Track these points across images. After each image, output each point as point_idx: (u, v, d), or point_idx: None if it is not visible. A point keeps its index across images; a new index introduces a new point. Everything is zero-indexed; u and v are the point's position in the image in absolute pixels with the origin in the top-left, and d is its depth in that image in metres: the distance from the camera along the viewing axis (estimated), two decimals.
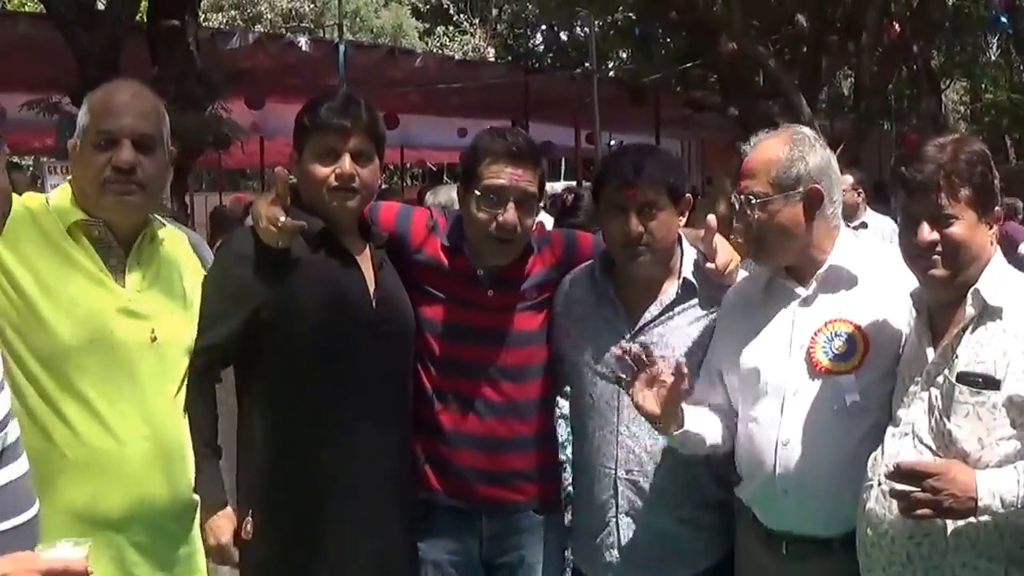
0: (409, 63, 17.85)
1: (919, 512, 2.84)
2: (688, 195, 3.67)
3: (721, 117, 19.67)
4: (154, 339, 3.20)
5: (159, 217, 3.41)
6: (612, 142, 24.16)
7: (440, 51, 33.44)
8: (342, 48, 15.32)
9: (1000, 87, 27.46)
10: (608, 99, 18.21)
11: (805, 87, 18.03)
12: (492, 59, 32.48)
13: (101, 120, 3.17)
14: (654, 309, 3.64)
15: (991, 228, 3.03)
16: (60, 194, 3.25)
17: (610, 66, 28.22)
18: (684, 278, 3.65)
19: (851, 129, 18.16)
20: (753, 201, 3.31)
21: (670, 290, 3.65)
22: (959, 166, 2.95)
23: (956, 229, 2.95)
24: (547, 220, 6.99)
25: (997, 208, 3.07)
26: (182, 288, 3.37)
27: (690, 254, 3.72)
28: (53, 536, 2.86)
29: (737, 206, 3.38)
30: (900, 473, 2.86)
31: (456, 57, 25.03)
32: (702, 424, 3.45)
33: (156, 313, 3.24)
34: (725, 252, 3.69)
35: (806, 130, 3.51)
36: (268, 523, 3.47)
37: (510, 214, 3.59)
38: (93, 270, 3.17)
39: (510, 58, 31.67)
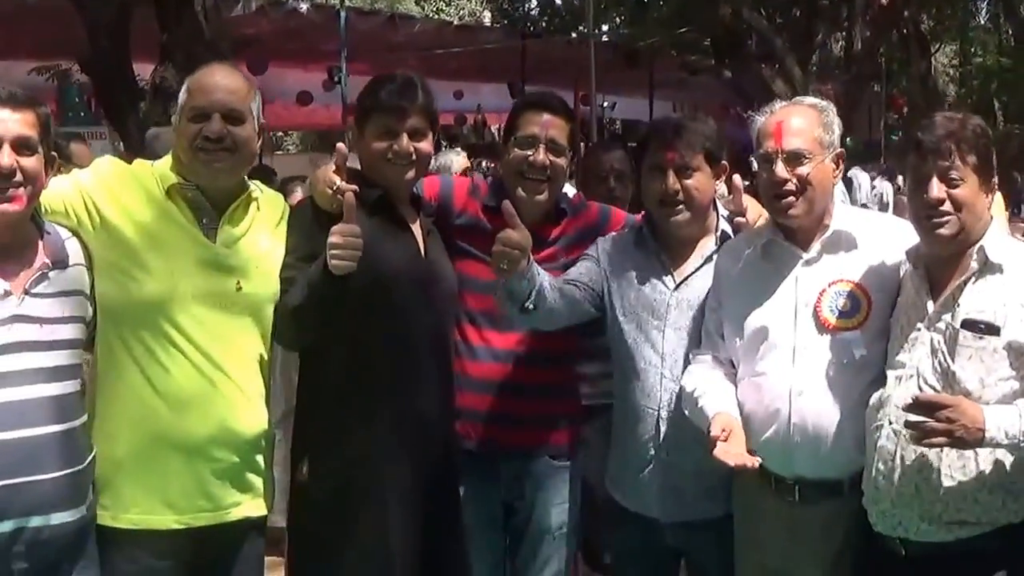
0: (408, 28, 17.88)
1: (933, 441, 3.13)
2: (725, 162, 3.91)
3: (715, 80, 19.90)
4: (239, 289, 3.52)
5: (259, 184, 3.76)
6: (605, 103, 24.34)
7: (436, 15, 33.41)
8: (343, 14, 15.41)
9: (989, 51, 27.51)
10: (604, 62, 18.35)
11: (797, 51, 18.27)
12: (488, 23, 32.47)
13: (195, 97, 3.52)
14: (696, 260, 3.90)
15: (988, 197, 3.34)
16: (163, 162, 3.60)
17: (604, 29, 28.30)
18: (722, 231, 3.94)
19: (843, 92, 18.36)
20: (804, 155, 3.56)
21: (709, 244, 3.93)
22: (967, 135, 3.28)
23: (962, 191, 3.27)
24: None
25: (994, 180, 3.39)
26: (270, 246, 3.66)
27: (724, 213, 4.00)
28: (147, 455, 3.43)
29: (772, 162, 3.59)
30: (918, 405, 3.16)
31: (454, 23, 25.09)
32: (732, 403, 3.65)
33: (242, 266, 3.55)
34: (755, 208, 3.96)
35: (824, 102, 3.76)
36: (323, 467, 3.71)
37: (540, 155, 3.93)
38: (187, 226, 3.51)
39: (506, 22, 31.62)
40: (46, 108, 3.34)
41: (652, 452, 3.87)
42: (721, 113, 24.20)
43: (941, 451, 3.22)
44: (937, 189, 3.26)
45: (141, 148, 10.10)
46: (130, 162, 3.66)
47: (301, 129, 34.24)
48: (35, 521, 3.16)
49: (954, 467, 3.25)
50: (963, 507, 3.26)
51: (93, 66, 11.18)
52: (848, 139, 13.31)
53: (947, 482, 3.26)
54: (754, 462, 3.39)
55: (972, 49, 29.55)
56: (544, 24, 34.87)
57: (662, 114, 26.42)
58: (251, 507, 3.63)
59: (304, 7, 16.05)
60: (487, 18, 36.04)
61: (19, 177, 3.17)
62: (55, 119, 3.52)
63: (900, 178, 16.78)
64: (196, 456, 3.48)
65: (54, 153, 3.36)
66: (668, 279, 3.90)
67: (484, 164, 17.33)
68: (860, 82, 17.94)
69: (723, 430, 3.43)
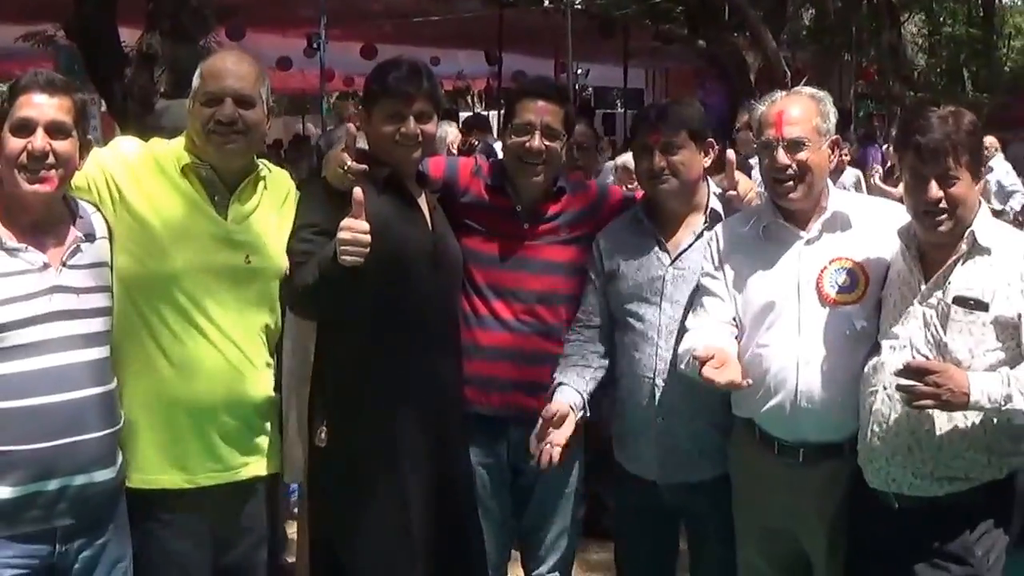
0: None
1: (921, 403, 3.37)
2: (711, 139, 4.16)
3: (688, 49, 20.02)
4: (248, 263, 3.73)
5: (266, 163, 3.95)
6: (579, 70, 24.43)
7: None
8: None
9: (958, 21, 27.75)
10: (579, 31, 18.44)
11: (770, 20, 18.43)
12: None
13: (208, 83, 3.72)
14: (688, 238, 4.16)
15: (977, 185, 3.57)
16: (177, 141, 3.81)
17: None
18: (711, 208, 4.20)
19: (815, 61, 18.57)
20: (803, 143, 3.79)
21: (698, 220, 4.19)
22: (962, 136, 3.49)
23: (957, 188, 3.49)
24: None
25: (982, 169, 3.67)
26: (277, 222, 3.86)
27: (715, 190, 4.26)
28: (159, 419, 3.66)
29: (773, 149, 3.82)
30: (909, 370, 3.39)
31: None
32: (726, 343, 3.85)
33: (251, 242, 3.75)
34: (745, 183, 4.25)
35: (820, 92, 4.01)
36: (340, 433, 3.91)
37: (536, 141, 4.17)
38: (200, 203, 3.71)
39: None
40: (83, 95, 3.52)
41: (649, 418, 4.10)
42: (693, 80, 24.40)
43: (931, 414, 3.47)
44: (935, 189, 3.48)
45: (125, 113, 10.26)
46: (114, 125, 3.81)
47: (276, 93, 34.06)
48: (79, 479, 3.37)
49: (943, 428, 3.50)
50: (952, 464, 3.52)
51: (79, 31, 11.21)
52: None
53: (937, 442, 3.52)
54: (745, 383, 3.63)
55: (941, 19, 29.78)
56: None
57: (636, 82, 26.68)
58: (260, 466, 3.83)
59: None
60: None
61: (51, 159, 3.35)
62: None
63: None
64: (205, 420, 3.69)
65: (90, 137, 3.54)
66: (664, 255, 4.14)
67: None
68: (831, 52, 18.09)
69: (712, 356, 3.63)
